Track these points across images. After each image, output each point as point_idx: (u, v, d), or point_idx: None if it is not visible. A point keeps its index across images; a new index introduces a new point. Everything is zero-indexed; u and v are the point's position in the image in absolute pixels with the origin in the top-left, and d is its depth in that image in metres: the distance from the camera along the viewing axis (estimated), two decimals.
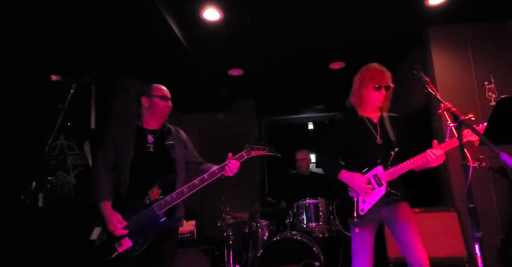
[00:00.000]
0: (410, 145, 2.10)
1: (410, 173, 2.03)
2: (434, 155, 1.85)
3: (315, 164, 6.79)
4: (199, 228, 3.89)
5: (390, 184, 1.96)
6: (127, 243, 1.91)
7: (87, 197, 2.91)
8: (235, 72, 4.52)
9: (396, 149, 1.99)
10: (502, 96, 1.40)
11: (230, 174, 2.03)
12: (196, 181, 1.99)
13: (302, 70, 4.72)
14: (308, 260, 3.05)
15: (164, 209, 1.96)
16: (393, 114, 2.21)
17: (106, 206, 1.96)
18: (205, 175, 2.01)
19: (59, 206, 2.80)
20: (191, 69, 3.88)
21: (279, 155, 2.12)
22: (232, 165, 2.01)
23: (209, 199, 2.46)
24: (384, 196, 1.95)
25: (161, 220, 1.95)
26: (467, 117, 1.48)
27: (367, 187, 1.95)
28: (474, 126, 1.43)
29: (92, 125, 3.17)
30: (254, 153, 2.06)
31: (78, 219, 2.81)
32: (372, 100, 2.10)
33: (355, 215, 1.98)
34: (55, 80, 1.40)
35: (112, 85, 3.56)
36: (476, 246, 1.46)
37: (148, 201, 1.97)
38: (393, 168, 1.95)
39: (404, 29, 3.72)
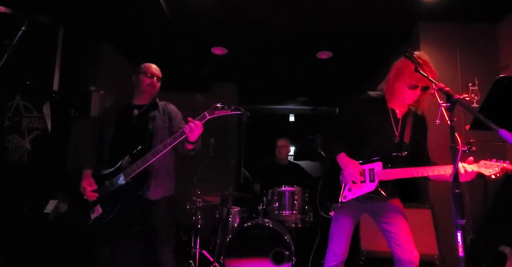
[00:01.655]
0: (425, 149, 1.97)
1: None
2: (465, 171, 1.65)
3: (293, 156, 6.76)
4: None
5: (382, 184, 1.86)
6: (98, 210, 2.00)
7: (43, 165, 2.68)
8: (218, 50, 4.32)
9: (404, 153, 1.87)
10: (501, 75, 1.30)
11: (191, 137, 1.89)
12: (159, 146, 1.94)
13: (289, 57, 4.59)
14: (278, 249, 2.93)
15: (130, 176, 1.95)
16: (419, 113, 1.99)
17: (86, 173, 2.09)
18: (168, 139, 1.94)
19: (9, 173, 2.53)
20: (171, 41, 3.64)
21: (248, 114, 1.96)
22: (193, 125, 1.85)
23: (179, 180, 2.29)
24: (370, 193, 1.87)
25: (126, 187, 1.95)
26: (461, 97, 1.39)
27: (357, 178, 1.86)
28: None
29: (55, 87, 2.89)
30: (218, 113, 1.88)
31: (31, 189, 2.56)
32: (403, 97, 1.88)
33: (335, 199, 1.92)
34: (3, 12, 1.18)
35: (82, 48, 3.29)
36: (458, 234, 1.38)
37: (118, 170, 2.00)
38: (392, 169, 1.83)
39: (395, 22, 3.68)
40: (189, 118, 1.90)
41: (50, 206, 2.72)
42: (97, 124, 2.24)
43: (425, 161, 1.89)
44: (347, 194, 1.91)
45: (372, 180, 1.87)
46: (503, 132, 1.03)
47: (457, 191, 1.39)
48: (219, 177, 4.70)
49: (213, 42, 4.18)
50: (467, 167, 1.67)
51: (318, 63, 4.69)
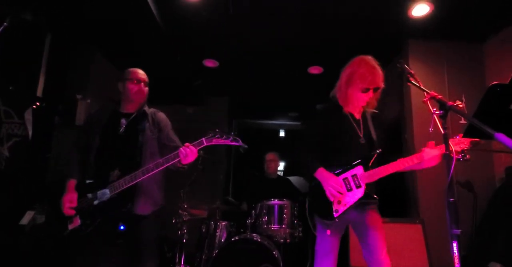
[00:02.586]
0: (385, 144, 1.99)
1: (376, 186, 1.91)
2: (430, 155, 1.74)
3: (282, 171, 6.68)
4: None
5: (367, 186, 1.84)
6: (76, 222, 1.93)
7: (22, 173, 2.54)
8: (210, 63, 4.32)
9: (379, 150, 1.87)
10: (493, 83, 1.30)
11: (184, 161, 1.83)
12: (151, 165, 1.87)
13: (280, 71, 4.62)
14: (266, 265, 2.82)
15: (116, 191, 1.88)
16: (375, 111, 2.08)
17: (69, 184, 1.99)
18: (161, 160, 1.87)
19: None
20: (163, 51, 3.62)
21: (246, 147, 1.91)
22: (188, 151, 1.81)
23: (166, 194, 2.20)
24: (362, 198, 1.82)
25: (110, 202, 1.88)
26: (455, 104, 1.38)
27: (340, 191, 1.82)
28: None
29: (39, 93, 2.79)
30: (216, 141, 1.84)
31: (8, 198, 2.41)
32: (357, 101, 1.97)
33: (327, 216, 1.84)
34: None
35: (70, 55, 3.22)
36: (454, 245, 1.34)
37: (105, 183, 1.92)
38: (374, 169, 1.83)
39: (385, 39, 3.75)
40: (186, 144, 1.84)
41: (27, 217, 2.57)
42: (82, 131, 2.16)
43: (389, 156, 1.90)
44: (338, 207, 1.85)
45: (358, 186, 1.84)
46: (499, 136, 1.01)
47: (451, 200, 1.35)
48: (207, 190, 4.59)
49: (205, 54, 4.19)
50: (430, 152, 1.74)
51: (309, 78, 4.73)
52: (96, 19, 3.05)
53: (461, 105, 1.37)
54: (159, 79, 4.34)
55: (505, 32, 3.43)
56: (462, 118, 3.72)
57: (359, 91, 1.91)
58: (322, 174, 1.88)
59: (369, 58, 1.96)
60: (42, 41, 2.80)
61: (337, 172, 1.89)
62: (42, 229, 2.53)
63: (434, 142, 1.78)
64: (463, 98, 3.62)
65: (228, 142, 1.83)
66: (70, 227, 1.91)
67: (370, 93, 1.92)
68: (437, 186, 3.28)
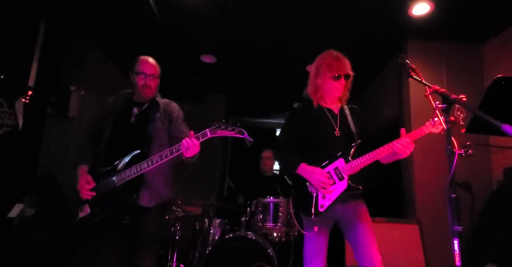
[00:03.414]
0: (370, 137, 1.99)
1: (372, 186, 1.87)
2: (401, 145, 1.71)
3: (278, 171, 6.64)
4: None
5: (352, 178, 1.82)
6: (86, 210, 1.90)
7: (11, 164, 2.46)
8: (207, 58, 4.27)
9: (358, 141, 1.86)
10: (498, 76, 1.27)
11: (186, 153, 1.78)
12: (156, 156, 1.83)
13: (278, 68, 4.57)
14: (260, 263, 2.77)
15: (123, 182, 1.86)
16: (353, 106, 2.09)
17: (81, 169, 1.98)
18: (164, 152, 1.82)
19: None
20: (161, 45, 3.56)
21: (251, 140, 1.86)
22: (191, 144, 1.75)
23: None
24: (346, 190, 1.80)
25: (117, 192, 1.86)
26: (458, 97, 1.34)
27: (327, 182, 1.79)
28: None
29: (31, 83, 2.71)
30: (220, 133, 1.78)
31: None
32: (331, 90, 1.95)
33: (313, 212, 1.80)
34: None
35: (65, 45, 3.14)
36: (455, 242, 1.29)
37: (113, 171, 1.90)
38: (355, 160, 1.81)
39: (385, 39, 3.73)
40: (191, 132, 1.79)
41: (15, 210, 2.50)
42: (96, 119, 2.13)
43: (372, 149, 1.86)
44: (323, 202, 1.81)
45: (341, 178, 1.81)
46: (506, 127, 0.97)
47: (453, 195, 1.31)
48: (202, 186, 4.54)
49: (203, 49, 4.14)
50: (403, 142, 1.70)
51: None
52: (93, 11, 2.99)
53: (464, 99, 1.33)
54: None
55: (504, 34, 3.43)
56: (461, 119, 3.72)
57: (330, 80, 1.92)
58: (304, 169, 1.85)
59: (333, 50, 2.01)
60: (36, 30, 2.72)
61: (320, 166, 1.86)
62: (32, 221, 2.46)
63: (404, 130, 1.77)
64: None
65: (233, 134, 1.78)
66: (81, 215, 1.90)
67: (342, 80, 1.93)
68: (434, 187, 3.26)
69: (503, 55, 3.45)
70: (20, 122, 2.49)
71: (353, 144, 1.85)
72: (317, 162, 1.87)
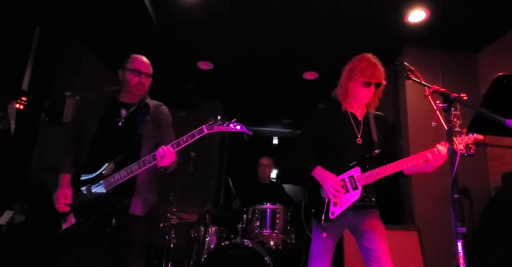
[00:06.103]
0: (392, 147, 1.93)
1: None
2: (438, 152, 1.64)
3: (275, 179, 6.59)
4: None
5: (365, 188, 1.77)
6: (70, 220, 1.78)
7: (2, 170, 2.39)
8: (204, 65, 4.27)
9: (377, 151, 1.81)
10: (499, 74, 1.26)
11: (160, 162, 1.71)
12: (148, 157, 1.75)
13: (275, 75, 4.58)
14: None
15: (111, 187, 1.76)
16: (379, 113, 2.02)
17: (63, 179, 1.84)
18: (148, 156, 1.76)
19: None
20: (157, 50, 3.55)
21: (250, 134, 1.81)
22: (166, 151, 1.69)
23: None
24: (358, 201, 1.75)
25: (105, 198, 1.76)
26: (459, 95, 1.33)
27: (339, 190, 1.75)
28: None
29: (24, 86, 2.65)
30: (217, 128, 1.71)
31: None
32: (359, 96, 1.89)
33: (323, 218, 1.76)
34: None
35: (59, 50, 3.11)
36: (459, 244, 1.26)
37: (99, 177, 1.78)
38: (371, 171, 1.76)
39: (381, 46, 3.75)
40: (177, 137, 1.71)
41: (5, 217, 2.42)
42: (77, 120, 1.98)
43: (394, 160, 1.80)
44: (334, 209, 1.77)
45: (355, 188, 1.77)
46: (511, 122, 0.95)
47: (456, 196, 1.28)
48: (198, 194, 4.46)
49: (199, 55, 4.14)
50: (442, 150, 1.66)
51: (304, 84, 4.71)
52: (88, 15, 2.97)
53: (465, 97, 1.32)
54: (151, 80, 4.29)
55: (498, 42, 3.48)
56: (457, 125, 3.73)
57: (360, 85, 1.86)
58: (320, 172, 1.81)
59: (371, 55, 1.93)
60: (30, 34, 2.69)
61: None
62: (21, 229, 2.38)
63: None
64: (457, 105, 3.62)
65: (230, 128, 1.71)
66: (65, 226, 1.76)
67: (372, 88, 1.86)
68: (433, 193, 3.24)
69: (497, 62, 3.49)
70: (12, 126, 2.43)
71: (372, 153, 1.80)
72: (333, 166, 1.82)
